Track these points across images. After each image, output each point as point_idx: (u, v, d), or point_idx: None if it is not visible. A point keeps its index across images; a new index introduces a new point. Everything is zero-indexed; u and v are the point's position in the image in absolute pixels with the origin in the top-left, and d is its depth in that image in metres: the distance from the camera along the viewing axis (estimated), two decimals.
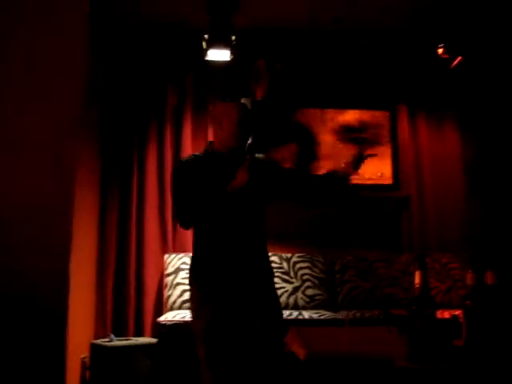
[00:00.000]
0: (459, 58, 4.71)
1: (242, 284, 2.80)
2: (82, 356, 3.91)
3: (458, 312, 3.86)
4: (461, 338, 2.17)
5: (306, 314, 4.19)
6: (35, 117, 3.51)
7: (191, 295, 2.90)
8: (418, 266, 2.00)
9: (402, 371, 1.91)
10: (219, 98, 4.84)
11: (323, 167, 4.87)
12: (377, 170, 5.07)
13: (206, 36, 4.37)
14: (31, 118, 3.50)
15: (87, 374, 3.92)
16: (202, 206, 2.79)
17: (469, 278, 2.16)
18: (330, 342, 2.07)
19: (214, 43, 4.43)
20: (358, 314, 4.21)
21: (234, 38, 4.36)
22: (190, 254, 4.28)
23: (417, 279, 1.99)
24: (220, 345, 2.69)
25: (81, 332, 3.87)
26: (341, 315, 4.24)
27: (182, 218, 2.88)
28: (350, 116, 5.12)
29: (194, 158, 2.97)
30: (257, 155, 3.06)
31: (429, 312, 1.97)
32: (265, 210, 2.98)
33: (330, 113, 5.10)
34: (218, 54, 4.54)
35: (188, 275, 2.92)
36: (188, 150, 4.69)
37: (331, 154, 5.03)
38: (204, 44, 4.45)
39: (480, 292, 2.15)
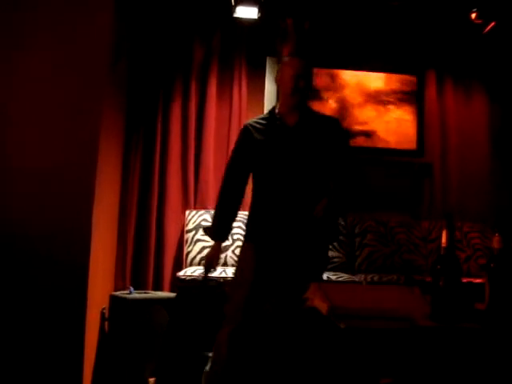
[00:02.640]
0: (493, 23, 4.60)
1: (289, 241, 2.88)
2: (102, 307, 3.95)
3: (477, 280, 3.88)
4: (482, 303, 2.16)
5: (324, 276, 4.16)
6: (62, 71, 3.51)
7: (242, 249, 3.05)
8: (446, 225, 1.97)
9: (424, 330, 1.90)
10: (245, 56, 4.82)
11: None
12: (402, 135, 5.02)
13: None
14: (58, 72, 3.51)
15: (106, 324, 3.96)
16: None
17: (495, 241, 2.13)
18: (352, 298, 2.08)
19: (242, 0, 4.38)
20: (376, 278, 4.22)
21: None
22: (211, 211, 4.38)
23: (443, 238, 1.97)
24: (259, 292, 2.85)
25: (101, 284, 3.91)
26: (358, 278, 4.25)
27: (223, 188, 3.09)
28: (378, 79, 5.05)
29: (259, 124, 3.02)
30: (319, 114, 3.07)
31: (454, 272, 1.96)
32: (321, 173, 2.97)
33: (358, 75, 5.04)
34: (246, 12, 4.50)
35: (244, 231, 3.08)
36: (212, 107, 4.68)
37: (355, 119, 4.99)
38: (232, 0, 4.40)
39: (506, 255, 2.12)
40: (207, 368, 3.07)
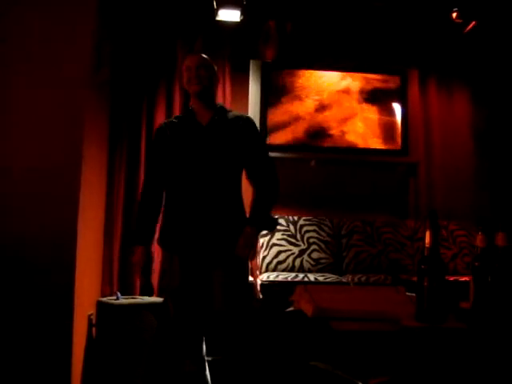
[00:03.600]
0: (473, 22, 4.63)
1: (205, 243, 2.84)
2: (89, 313, 3.93)
3: (463, 278, 3.90)
4: (468, 301, 2.17)
5: (312, 277, 4.21)
6: (44, 78, 3.51)
7: (161, 256, 2.99)
8: (429, 224, 1.98)
9: (409, 330, 1.91)
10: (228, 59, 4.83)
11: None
12: (386, 134, 5.05)
13: None
14: (40, 80, 3.50)
15: (93, 331, 3.94)
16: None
17: (479, 240, 2.14)
18: (338, 300, 2.08)
19: (224, 3, 4.37)
20: (364, 278, 4.23)
21: None
22: None
23: (427, 238, 1.98)
24: (183, 299, 2.85)
25: (87, 290, 3.89)
26: (346, 279, 4.27)
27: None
28: (360, 78, 5.07)
29: (170, 122, 3.03)
30: (232, 113, 3.05)
31: (438, 271, 1.97)
32: (235, 171, 2.96)
33: (339, 75, 5.05)
34: (229, 15, 4.49)
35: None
36: None
37: (339, 119, 5.01)
38: (214, 3, 4.40)
39: (490, 254, 2.14)
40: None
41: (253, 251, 2.81)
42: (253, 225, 2.84)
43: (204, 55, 3.03)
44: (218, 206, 2.85)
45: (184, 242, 2.86)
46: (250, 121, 3.03)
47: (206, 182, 2.84)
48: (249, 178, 3.01)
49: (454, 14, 4.59)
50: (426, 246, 1.99)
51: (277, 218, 3.14)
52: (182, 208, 2.88)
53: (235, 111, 3.14)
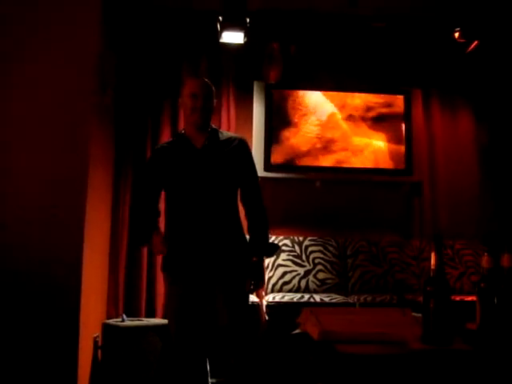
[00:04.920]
0: (476, 42, 4.66)
1: (207, 266, 2.83)
2: (94, 335, 3.93)
3: (469, 298, 3.87)
4: (474, 322, 2.16)
5: (317, 297, 4.19)
6: (49, 101, 3.54)
7: (164, 281, 2.98)
8: (435, 246, 1.98)
9: (416, 353, 1.90)
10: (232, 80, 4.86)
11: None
12: (390, 154, 5.05)
13: (220, 18, 4.35)
14: (45, 102, 3.54)
15: (99, 353, 3.94)
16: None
17: (485, 261, 2.13)
18: (344, 323, 2.07)
19: (227, 25, 4.41)
20: (370, 299, 4.22)
21: (248, 20, 4.33)
22: None
23: (432, 260, 1.97)
24: (187, 322, 2.80)
25: (93, 312, 3.89)
26: (352, 299, 4.25)
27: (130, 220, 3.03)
28: (364, 99, 5.09)
29: (164, 147, 3.03)
30: (225, 134, 3.06)
31: (444, 293, 1.96)
32: (232, 192, 2.97)
33: (344, 95, 5.07)
34: (232, 37, 4.52)
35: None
36: None
37: (343, 139, 5.02)
38: (218, 26, 4.44)
39: (496, 275, 2.13)
40: None
41: (263, 281, 2.91)
42: (258, 255, 2.91)
43: (206, 80, 3.03)
44: (217, 226, 2.86)
45: (186, 265, 2.86)
46: (243, 142, 3.04)
47: (205, 204, 2.85)
48: (242, 200, 3.03)
49: (457, 34, 4.61)
50: (432, 267, 1.98)
51: (277, 244, 3.16)
52: (182, 232, 2.88)
53: (228, 132, 3.16)
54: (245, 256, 2.90)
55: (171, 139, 3.14)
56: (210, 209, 2.85)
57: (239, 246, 2.91)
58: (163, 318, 3.16)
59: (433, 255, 1.99)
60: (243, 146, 3.02)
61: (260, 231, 2.97)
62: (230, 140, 3.00)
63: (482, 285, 2.13)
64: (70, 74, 3.56)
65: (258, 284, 2.90)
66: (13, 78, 3.52)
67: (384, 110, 5.10)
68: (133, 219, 3.06)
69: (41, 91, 3.53)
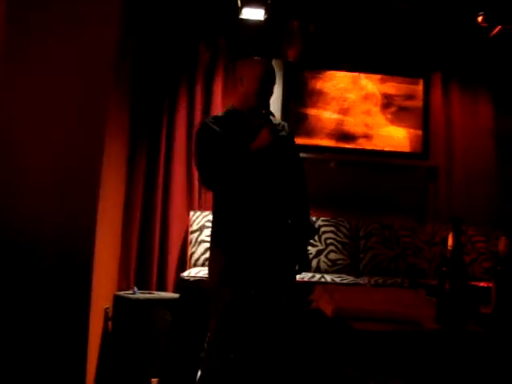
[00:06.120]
0: (499, 27, 4.59)
1: (258, 243, 2.83)
2: (105, 307, 3.96)
3: (482, 284, 3.87)
4: (488, 306, 2.15)
5: (329, 278, 4.19)
6: (67, 71, 3.53)
7: (212, 255, 2.96)
8: (453, 228, 1.97)
9: (430, 333, 1.90)
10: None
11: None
12: (407, 137, 5.02)
13: None
14: (63, 72, 3.52)
15: (109, 324, 3.97)
16: (225, 168, 2.80)
17: (502, 244, 2.12)
18: (358, 300, 2.07)
19: (248, 1, 4.38)
20: (381, 281, 4.21)
21: None
22: None
23: (450, 241, 1.96)
24: (230, 294, 2.78)
25: (105, 283, 3.91)
26: (363, 281, 4.24)
27: (206, 179, 2.90)
28: (383, 81, 5.05)
29: (216, 119, 2.97)
30: (275, 120, 3.05)
31: (460, 275, 1.95)
32: (283, 174, 2.97)
33: (362, 77, 5.03)
34: (252, 13, 4.49)
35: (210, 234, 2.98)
36: (218, 108, 4.67)
37: (360, 121, 4.99)
38: (239, 2, 4.40)
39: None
40: (199, 373, 3.04)
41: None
42: (304, 238, 3.04)
43: (272, 64, 3.05)
44: (270, 203, 2.88)
45: (238, 239, 2.85)
46: (289, 128, 3.11)
47: (260, 181, 2.86)
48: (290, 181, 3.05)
49: (480, 18, 4.54)
50: (449, 248, 1.97)
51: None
52: (239, 208, 2.88)
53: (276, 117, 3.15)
54: (291, 239, 2.94)
55: (223, 113, 3.07)
56: (266, 189, 2.87)
57: (287, 228, 2.95)
58: (207, 288, 3.08)
59: (450, 236, 1.98)
60: (291, 132, 3.10)
61: (305, 215, 3.07)
62: (280, 124, 3.03)
63: (499, 268, 2.12)
64: (90, 45, 3.55)
65: (304, 268, 2.94)
66: (34, 51, 3.50)
67: (403, 95, 5.05)
68: (212, 166, 2.91)
69: (61, 58, 3.51)
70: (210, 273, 2.94)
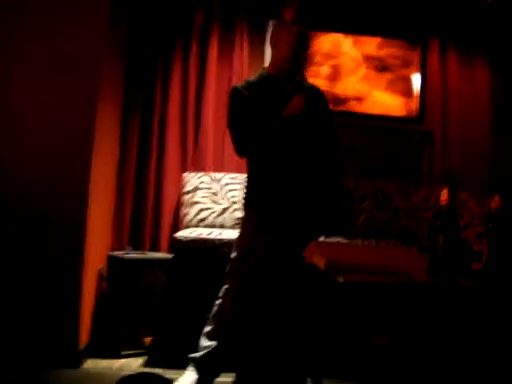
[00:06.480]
0: None
1: (290, 207, 2.88)
2: (99, 267, 3.97)
3: (474, 248, 3.89)
4: (480, 263, 2.17)
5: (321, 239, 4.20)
6: (61, 34, 3.52)
7: (244, 216, 3.04)
8: (448, 183, 1.97)
9: (421, 286, 1.91)
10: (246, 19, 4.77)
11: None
12: (402, 102, 5.00)
13: None
14: (57, 35, 3.52)
15: (104, 284, 3.99)
16: (256, 134, 2.81)
17: (494, 202, 2.13)
18: (350, 255, 2.08)
19: None
20: (374, 243, 4.22)
21: None
22: (209, 174, 4.36)
23: (444, 195, 1.97)
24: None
25: (98, 243, 3.92)
26: (356, 242, 4.26)
27: (238, 145, 2.91)
28: (378, 44, 5.00)
29: (249, 86, 2.96)
30: (309, 86, 3.05)
31: (453, 228, 1.96)
32: (322, 137, 2.99)
33: (359, 42, 4.98)
34: None
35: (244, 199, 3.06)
36: (213, 70, 4.63)
37: (356, 85, 4.96)
38: None
39: (504, 215, 2.12)
40: (207, 329, 3.09)
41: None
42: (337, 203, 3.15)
43: (305, 30, 3.04)
44: (306, 173, 2.92)
45: (271, 205, 2.90)
46: (323, 95, 3.14)
47: (295, 150, 2.90)
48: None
49: None
50: (442, 203, 1.98)
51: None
52: (270, 171, 2.92)
53: (309, 81, 3.13)
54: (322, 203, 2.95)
55: (256, 78, 3.08)
56: (296, 152, 2.90)
57: (319, 193, 2.97)
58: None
59: (445, 191, 1.98)
60: (325, 98, 3.14)
61: (338, 180, 3.07)
62: (313, 89, 3.04)
63: (490, 225, 2.13)
64: (84, 3, 3.53)
65: (331, 231, 3.19)
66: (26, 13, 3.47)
67: (399, 61, 5.01)
68: (243, 133, 2.91)
69: (54, 22, 3.50)
70: (241, 232, 3.01)
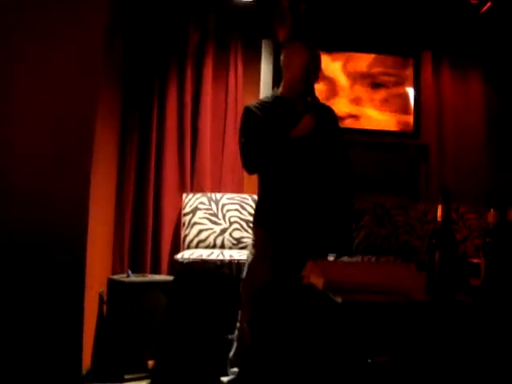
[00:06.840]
0: (489, 3, 4.57)
1: (301, 226, 2.92)
2: (100, 290, 3.97)
3: (474, 261, 3.88)
4: (478, 278, 2.16)
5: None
6: (59, 52, 3.50)
7: (255, 235, 3.07)
8: (442, 199, 1.98)
9: (419, 304, 1.91)
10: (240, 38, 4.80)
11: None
12: (398, 116, 5.02)
13: None
14: (55, 53, 3.50)
15: (104, 308, 3.98)
16: (266, 154, 2.86)
17: (491, 215, 2.13)
18: (348, 274, 2.08)
19: None
20: (374, 259, 4.23)
21: None
22: (208, 194, 4.37)
23: (439, 212, 1.97)
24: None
25: (99, 267, 3.92)
26: (356, 259, 4.25)
27: (249, 163, 2.98)
28: (372, 60, 5.03)
29: (261, 105, 3.02)
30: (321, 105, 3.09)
31: (450, 245, 1.96)
32: (332, 157, 3.03)
33: (353, 58, 5.01)
34: None
35: (253, 217, 3.14)
36: (208, 90, 4.66)
37: (351, 99, 4.98)
38: None
39: (502, 230, 2.12)
40: (231, 353, 3.11)
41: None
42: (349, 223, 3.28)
43: (316, 50, 3.11)
44: (316, 193, 2.96)
45: (283, 221, 2.93)
46: (334, 113, 3.19)
47: (306, 169, 2.94)
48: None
49: None
50: (438, 220, 1.98)
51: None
52: (281, 188, 2.96)
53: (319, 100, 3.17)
54: (334, 224, 3.02)
55: (268, 98, 3.15)
56: (305, 171, 2.94)
57: (329, 213, 3.01)
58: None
59: (440, 208, 1.98)
60: (335, 116, 3.19)
61: (348, 200, 3.12)
62: (323, 108, 3.09)
63: (488, 239, 2.13)
64: (80, 25, 3.52)
65: (345, 252, 3.21)
66: (24, 21, 3.48)
67: (393, 73, 5.04)
68: (254, 153, 2.96)
69: (51, 38, 3.49)
70: (252, 251, 3.03)
